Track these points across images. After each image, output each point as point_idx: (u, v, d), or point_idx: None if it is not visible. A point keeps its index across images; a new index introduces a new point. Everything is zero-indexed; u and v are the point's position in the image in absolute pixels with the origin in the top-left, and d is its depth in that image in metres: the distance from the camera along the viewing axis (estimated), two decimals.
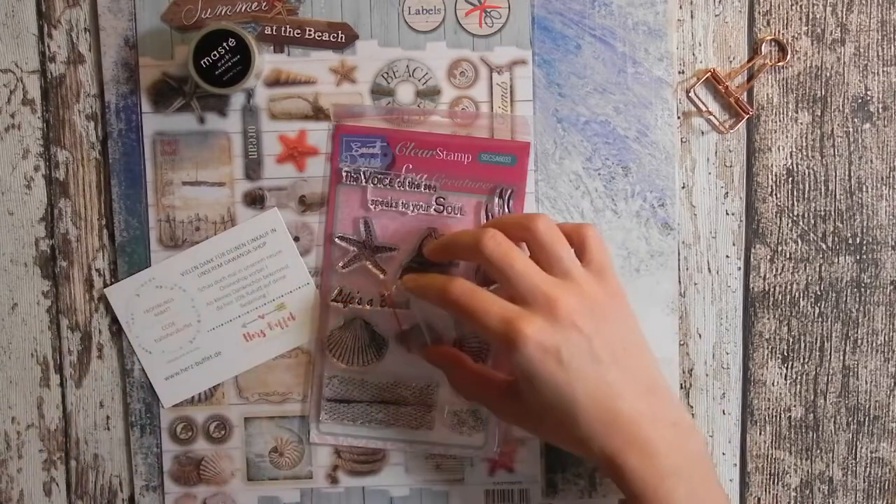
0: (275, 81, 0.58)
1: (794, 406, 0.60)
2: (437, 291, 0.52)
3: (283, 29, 0.58)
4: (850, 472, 0.61)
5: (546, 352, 0.48)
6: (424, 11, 0.58)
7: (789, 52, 0.58)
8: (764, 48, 0.58)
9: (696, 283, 0.59)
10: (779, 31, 0.58)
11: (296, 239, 0.59)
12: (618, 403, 0.49)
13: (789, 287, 0.60)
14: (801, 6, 0.58)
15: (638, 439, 0.48)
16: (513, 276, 0.50)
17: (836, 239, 0.59)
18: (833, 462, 0.61)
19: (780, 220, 0.59)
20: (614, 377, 0.49)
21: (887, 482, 0.61)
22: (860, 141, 0.59)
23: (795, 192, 0.59)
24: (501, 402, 0.54)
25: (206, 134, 0.58)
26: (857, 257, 0.59)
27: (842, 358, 0.60)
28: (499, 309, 0.49)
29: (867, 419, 0.60)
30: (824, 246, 0.59)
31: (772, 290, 0.60)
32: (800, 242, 0.59)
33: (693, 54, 0.58)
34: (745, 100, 0.58)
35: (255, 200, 0.59)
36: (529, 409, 0.51)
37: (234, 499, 0.61)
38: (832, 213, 0.59)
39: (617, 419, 0.49)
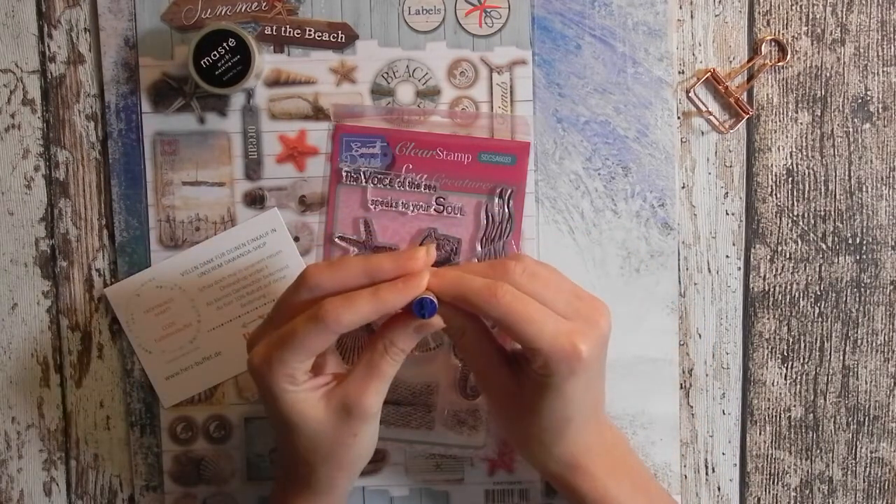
0: (275, 81, 0.58)
1: (794, 406, 0.60)
2: (482, 298, 0.47)
3: (283, 29, 0.58)
4: (850, 472, 0.61)
5: (586, 371, 0.48)
6: (424, 11, 0.58)
7: (789, 52, 0.58)
8: (764, 48, 0.58)
9: (696, 283, 0.59)
10: (779, 31, 0.58)
11: (296, 239, 0.59)
12: (598, 413, 0.54)
13: (789, 287, 0.60)
14: (801, 6, 0.58)
15: (593, 446, 0.53)
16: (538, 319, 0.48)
17: (836, 239, 0.59)
18: (833, 462, 0.61)
19: (780, 220, 0.59)
20: (600, 391, 0.53)
21: (887, 482, 0.61)
22: (860, 141, 0.59)
23: (795, 192, 0.59)
24: (500, 380, 0.51)
25: (206, 134, 0.58)
26: (857, 257, 0.59)
27: (842, 358, 0.60)
28: (554, 322, 0.48)
29: (867, 419, 0.60)
30: (824, 246, 0.59)
31: (772, 290, 0.60)
32: (800, 242, 0.59)
33: (693, 54, 0.58)
34: (745, 100, 0.58)
35: (255, 200, 0.59)
36: (528, 406, 0.51)
37: (235, 499, 0.61)
38: (832, 213, 0.59)
39: (596, 429, 0.53)
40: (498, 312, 0.47)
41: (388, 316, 0.50)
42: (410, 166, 0.57)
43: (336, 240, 0.58)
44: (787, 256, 0.59)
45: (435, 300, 0.48)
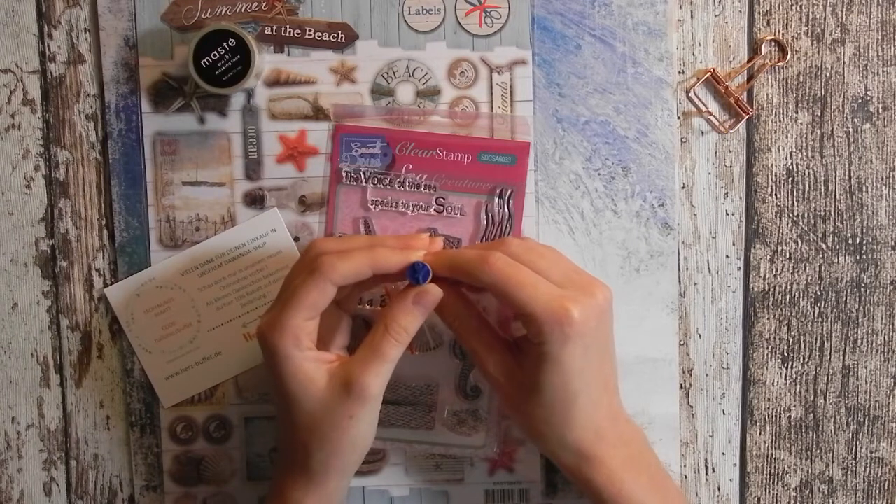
0: (275, 81, 0.58)
1: (794, 406, 0.60)
2: (475, 266, 0.49)
3: (283, 29, 0.58)
4: (850, 472, 0.61)
5: (581, 337, 0.49)
6: (424, 11, 0.58)
7: (789, 52, 0.58)
8: (764, 48, 0.58)
9: (696, 283, 0.59)
10: (779, 31, 0.58)
11: (296, 239, 0.59)
12: (611, 398, 0.53)
13: (789, 287, 0.60)
14: (801, 6, 0.58)
15: (607, 435, 0.52)
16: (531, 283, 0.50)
17: (836, 239, 0.59)
18: (833, 462, 0.61)
19: (780, 220, 0.59)
20: (609, 373, 0.53)
21: (887, 482, 0.61)
22: (860, 141, 0.59)
23: (795, 192, 0.59)
24: (501, 360, 0.52)
25: (206, 134, 0.58)
26: (857, 257, 0.59)
27: (842, 358, 0.60)
28: (545, 287, 0.49)
29: (867, 419, 0.60)
30: (824, 246, 0.59)
31: (772, 290, 0.60)
32: (800, 242, 0.59)
33: (693, 54, 0.58)
34: (745, 100, 0.58)
35: (255, 200, 0.59)
36: (530, 383, 0.51)
37: (235, 499, 0.61)
38: (832, 213, 0.59)
39: (608, 414, 0.52)
40: (490, 278, 0.49)
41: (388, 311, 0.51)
42: (410, 166, 0.57)
43: None
44: (787, 256, 0.59)
45: (429, 268, 0.50)
